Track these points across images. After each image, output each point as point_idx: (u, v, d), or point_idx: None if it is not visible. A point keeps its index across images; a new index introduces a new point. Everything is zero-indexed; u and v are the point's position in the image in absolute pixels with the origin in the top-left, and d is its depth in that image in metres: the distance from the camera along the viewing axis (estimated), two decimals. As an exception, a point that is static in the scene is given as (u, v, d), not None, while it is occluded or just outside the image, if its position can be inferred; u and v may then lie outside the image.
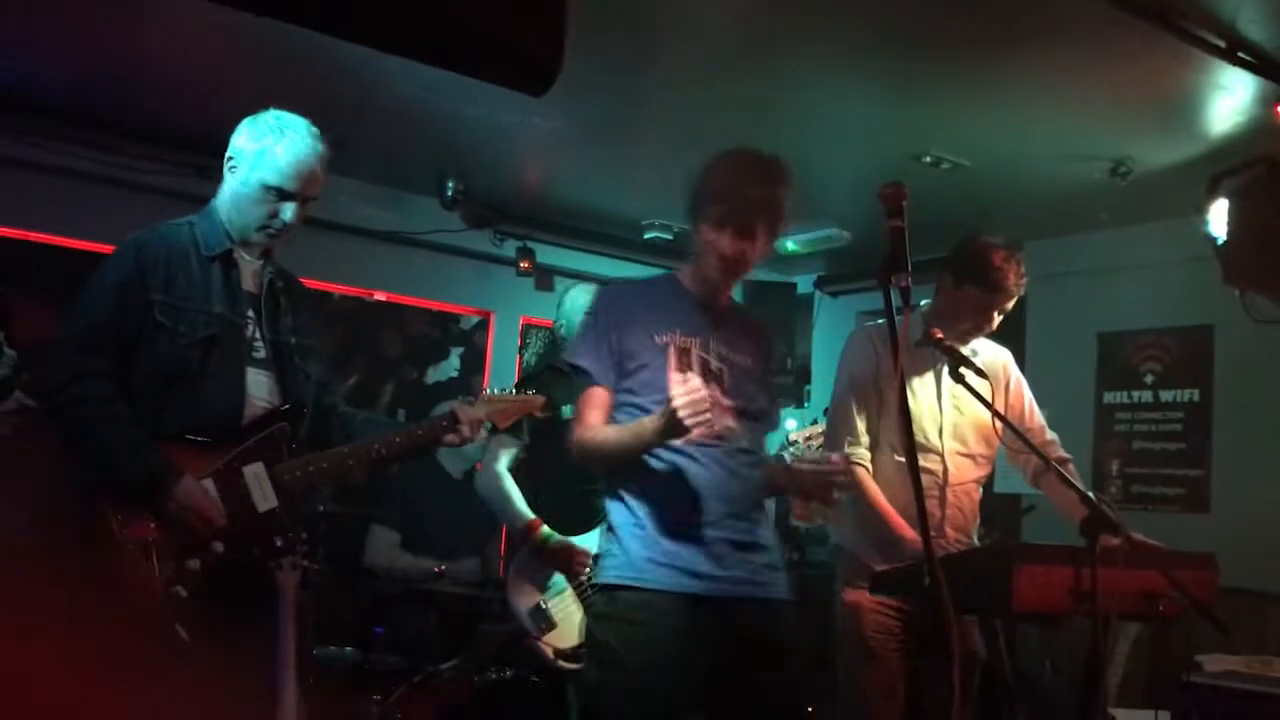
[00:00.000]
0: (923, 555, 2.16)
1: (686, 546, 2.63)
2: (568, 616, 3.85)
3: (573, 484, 3.99)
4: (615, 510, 2.72)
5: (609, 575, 2.68)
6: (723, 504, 2.67)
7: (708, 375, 2.65)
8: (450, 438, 2.88)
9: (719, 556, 2.65)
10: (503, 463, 4.05)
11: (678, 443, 2.57)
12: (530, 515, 3.92)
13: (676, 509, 2.64)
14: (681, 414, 2.39)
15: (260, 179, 2.70)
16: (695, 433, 2.44)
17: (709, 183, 2.70)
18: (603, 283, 6.00)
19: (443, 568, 4.22)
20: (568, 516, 3.96)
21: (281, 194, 2.71)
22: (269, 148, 2.70)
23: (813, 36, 3.71)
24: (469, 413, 2.91)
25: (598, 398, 2.70)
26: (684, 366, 2.60)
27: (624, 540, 2.67)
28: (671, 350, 2.64)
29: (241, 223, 2.75)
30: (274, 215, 2.72)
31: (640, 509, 2.66)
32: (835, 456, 2.70)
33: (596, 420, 2.68)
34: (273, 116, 2.76)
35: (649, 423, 2.52)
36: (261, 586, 2.72)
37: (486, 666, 4.15)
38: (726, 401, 2.62)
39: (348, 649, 4.21)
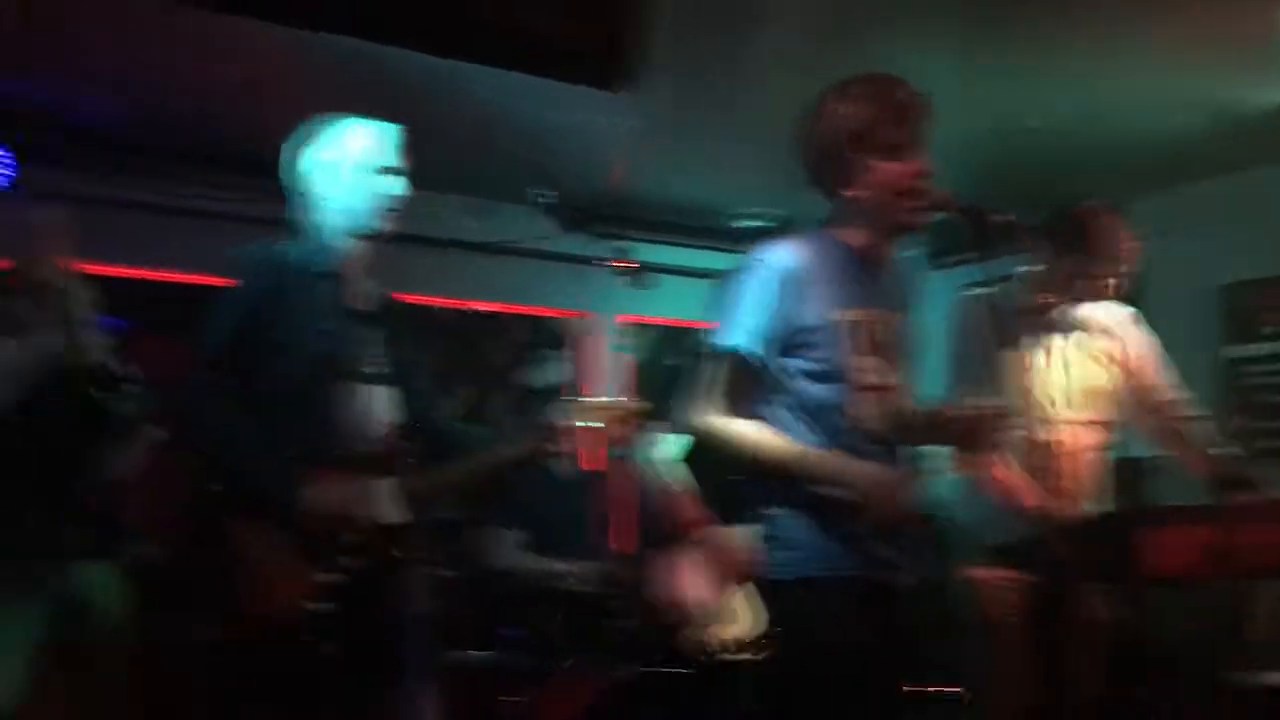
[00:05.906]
0: (1047, 524, 2.12)
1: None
2: (736, 607, 3.84)
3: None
4: (805, 498, 2.41)
5: (808, 568, 2.40)
6: None
7: (876, 348, 2.43)
8: (554, 448, 2.90)
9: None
10: (674, 452, 3.99)
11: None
12: (700, 512, 3.89)
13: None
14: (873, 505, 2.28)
15: (369, 165, 2.81)
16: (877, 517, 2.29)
17: (864, 110, 2.41)
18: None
19: (567, 566, 4.26)
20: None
21: (391, 170, 2.83)
22: (360, 138, 2.83)
23: (894, 12, 3.66)
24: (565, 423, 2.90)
25: (746, 378, 2.37)
26: (862, 349, 2.40)
27: (813, 529, 2.40)
28: (844, 327, 2.39)
29: (367, 212, 2.81)
30: (393, 191, 2.83)
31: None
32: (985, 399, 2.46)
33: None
34: (337, 122, 2.85)
35: (830, 463, 2.34)
36: (389, 598, 2.79)
37: (617, 662, 4.18)
38: (891, 378, 2.43)
39: (478, 651, 4.28)
